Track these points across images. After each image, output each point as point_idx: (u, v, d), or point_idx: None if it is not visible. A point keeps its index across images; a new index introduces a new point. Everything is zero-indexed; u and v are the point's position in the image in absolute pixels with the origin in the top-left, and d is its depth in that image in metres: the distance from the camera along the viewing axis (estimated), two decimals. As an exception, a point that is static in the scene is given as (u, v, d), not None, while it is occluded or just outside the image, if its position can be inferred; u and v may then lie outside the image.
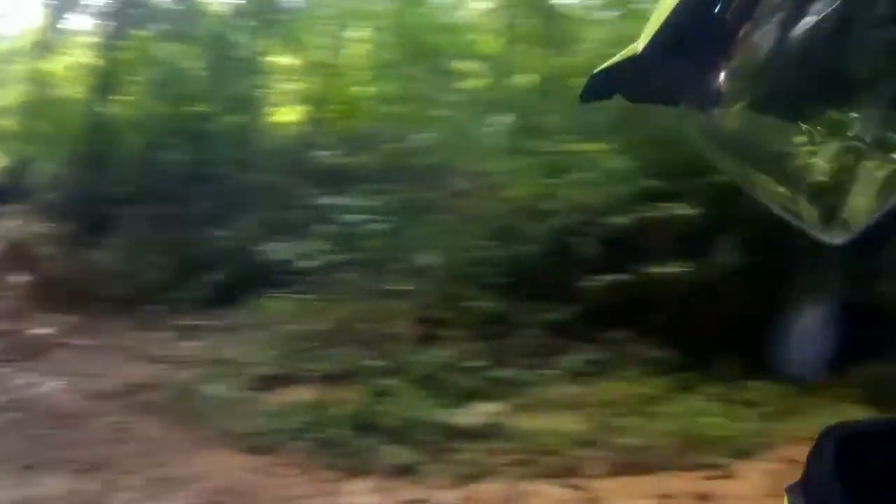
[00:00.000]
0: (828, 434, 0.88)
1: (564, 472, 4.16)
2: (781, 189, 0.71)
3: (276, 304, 6.48)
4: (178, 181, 11.75)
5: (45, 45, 16.33)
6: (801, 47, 0.64)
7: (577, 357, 5.16)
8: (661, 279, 5.05)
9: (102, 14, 13.94)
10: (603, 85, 1.00)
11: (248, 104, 13.38)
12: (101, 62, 13.05)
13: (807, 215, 0.68)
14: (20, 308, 9.48)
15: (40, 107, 15.13)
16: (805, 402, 4.83)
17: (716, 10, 0.72)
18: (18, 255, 11.88)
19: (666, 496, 3.94)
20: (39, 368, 6.52)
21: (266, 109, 14.35)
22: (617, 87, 1.05)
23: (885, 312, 4.48)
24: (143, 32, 14.40)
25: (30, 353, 6.96)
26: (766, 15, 0.70)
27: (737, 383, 5.02)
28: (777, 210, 0.72)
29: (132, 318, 8.41)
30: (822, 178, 0.66)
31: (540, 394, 4.92)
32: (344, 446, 4.31)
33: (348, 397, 4.77)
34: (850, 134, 0.68)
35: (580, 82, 0.99)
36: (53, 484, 4.20)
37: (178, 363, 6.18)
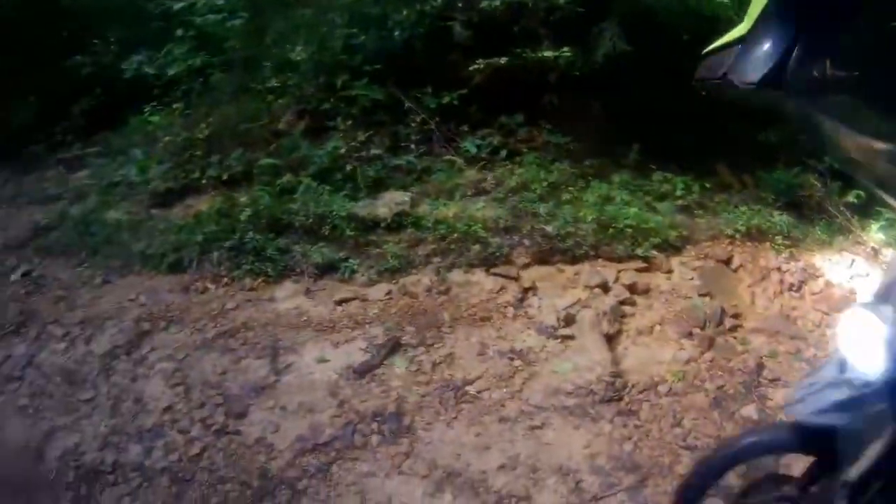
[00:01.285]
0: None
1: (490, 261, 4.19)
2: (884, 176, 0.73)
3: (154, 119, 6.22)
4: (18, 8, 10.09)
5: None
6: None
7: (472, 142, 5.16)
8: (543, 64, 4.96)
9: None
10: (713, 64, 0.99)
11: None
12: None
13: None
14: None
15: None
16: (717, 197, 5.06)
17: None
18: None
19: (599, 287, 4.07)
20: None
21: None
22: (725, 68, 1.02)
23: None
24: None
25: None
26: (873, 5, 0.68)
27: (644, 173, 5.12)
28: (882, 194, 0.74)
29: (12, 163, 7.80)
30: None
31: (444, 181, 4.89)
32: (262, 251, 4.29)
33: (251, 200, 4.66)
34: None
35: None
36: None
37: (72, 197, 5.92)
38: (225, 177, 5.15)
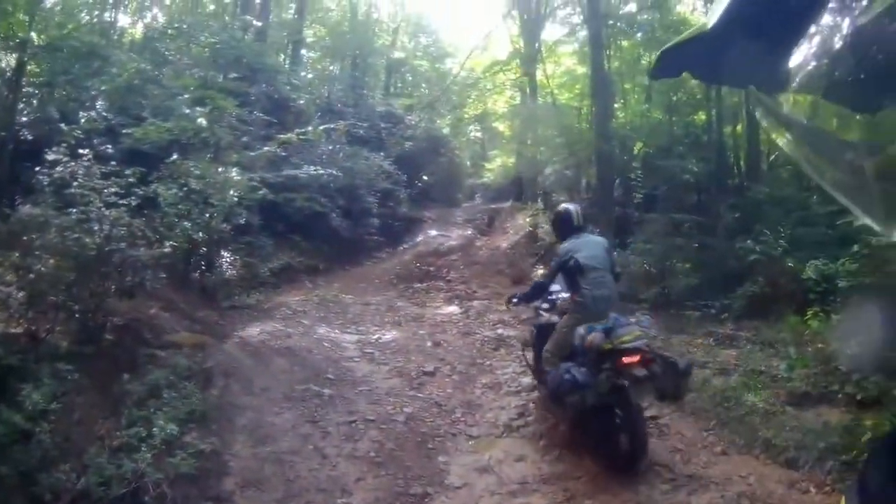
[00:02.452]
0: (882, 438, 0.93)
1: None
2: (844, 178, 0.67)
3: (813, 324, 6.44)
4: (689, 189, 12.53)
5: (527, 55, 18.98)
6: (872, 36, 0.59)
7: None
8: None
9: (584, 23, 14.92)
10: (672, 62, 0.99)
11: (743, 114, 13.25)
12: (590, 70, 13.93)
13: (868, 206, 0.63)
14: None
15: (535, 113, 17.20)
16: None
17: None
18: (538, 249, 13.76)
19: None
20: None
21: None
22: (685, 65, 1.04)
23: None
24: (626, 41, 15.72)
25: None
26: (832, 2, 0.66)
27: None
28: (839, 198, 0.69)
29: (657, 320, 8.52)
30: (887, 171, 0.58)
31: None
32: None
33: (874, 424, 4.63)
34: None
35: None
36: (590, 465, 4.68)
37: (716, 369, 6.49)
38: (859, 396, 5.20)
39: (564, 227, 5.39)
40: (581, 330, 4.59)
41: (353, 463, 4.90)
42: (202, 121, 9.71)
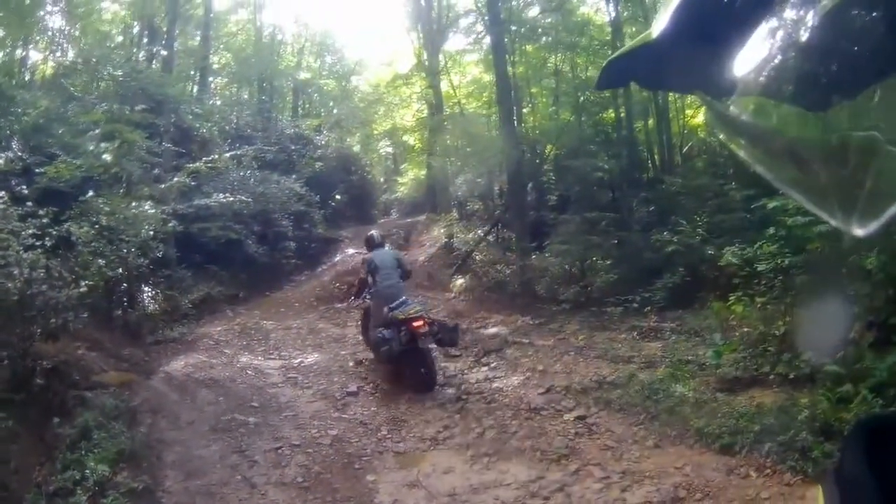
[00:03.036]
0: (860, 424, 0.90)
1: None
2: (800, 177, 0.69)
3: (737, 308, 6.52)
4: (603, 186, 12.80)
5: (431, 67, 18.87)
6: (816, 36, 0.59)
7: None
8: None
9: (486, 31, 14.93)
10: (618, 72, 0.99)
11: (654, 109, 13.75)
12: (495, 77, 13.90)
13: (827, 205, 0.64)
14: (469, 309, 10.97)
15: (443, 124, 17.19)
16: None
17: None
18: (455, 259, 13.82)
19: None
20: (498, 364, 7.61)
21: (674, 113, 14.57)
22: (632, 75, 1.05)
23: None
24: (529, 45, 15.94)
25: (487, 350, 8.16)
26: (779, 2, 0.67)
27: None
28: (797, 198, 0.70)
29: (579, 318, 9.20)
30: (841, 168, 0.60)
31: None
32: (808, 451, 4.29)
33: (810, 402, 4.71)
34: (867, 124, 0.64)
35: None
36: (519, 471, 4.82)
37: (641, 363, 6.66)
38: (791, 376, 5.33)
39: (370, 244, 8.12)
40: (385, 309, 6.99)
41: (282, 490, 4.78)
42: (107, 156, 9.48)
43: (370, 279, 7.57)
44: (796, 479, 4.23)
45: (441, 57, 19.63)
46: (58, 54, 16.25)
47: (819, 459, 4.25)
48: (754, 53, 0.69)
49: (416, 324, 6.73)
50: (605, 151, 13.27)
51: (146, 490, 4.54)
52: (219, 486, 4.82)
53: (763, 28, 0.68)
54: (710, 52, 0.75)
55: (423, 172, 21.44)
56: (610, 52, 12.68)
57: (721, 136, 0.77)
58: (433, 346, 7.05)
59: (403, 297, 7.22)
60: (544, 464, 4.93)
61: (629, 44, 0.90)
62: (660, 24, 0.76)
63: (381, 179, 29.34)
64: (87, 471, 4.41)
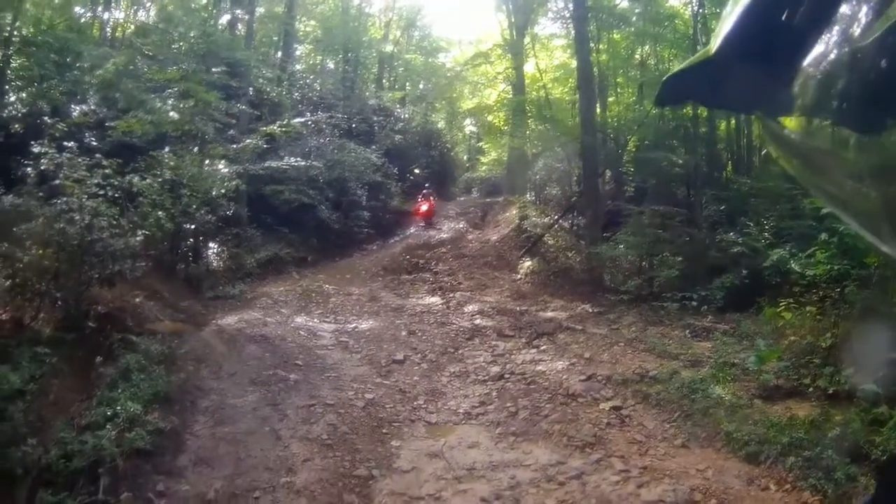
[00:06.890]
0: None
1: None
2: (852, 200, 0.68)
3: (787, 315, 6.36)
4: (679, 182, 12.62)
5: (514, 47, 18.68)
6: (874, 55, 0.60)
7: None
8: None
9: (572, 18, 14.49)
10: (677, 89, 0.99)
11: None
12: (577, 63, 13.70)
13: (878, 229, 0.64)
14: (533, 292, 11.06)
15: (524, 105, 16.88)
16: None
17: (783, 17, 0.71)
18: (526, 242, 13.78)
19: None
20: (547, 347, 7.66)
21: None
22: (689, 92, 1.04)
23: None
24: (616, 34, 15.64)
25: (540, 333, 8.18)
26: (835, 22, 0.66)
27: None
28: (848, 221, 0.70)
29: (637, 311, 9.14)
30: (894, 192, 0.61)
31: None
32: (832, 472, 4.17)
33: (843, 421, 4.60)
34: None
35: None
36: (541, 454, 4.89)
37: (687, 361, 6.58)
38: (831, 391, 5.20)
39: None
40: None
41: (305, 444, 4.97)
42: (174, 114, 9.71)
43: None
44: (815, 499, 4.12)
45: (528, 39, 19.37)
46: (140, 14, 16.89)
47: (841, 481, 4.12)
48: (810, 73, 0.69)
49: None
50: (684, 147, 13.03)
51: (173, 431, 4.82)
52: (245, 434, 5.05)
53: (820, 46, 0.67)
54: (768, 70, 0.74)
55: (505, 154, 21.36)
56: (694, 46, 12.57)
57: (775, 155, 0.77)
58: None
59: None
60: (568, 450, 4.99)
61: (688, 60, 0.89)
62: (718, 41, 0.77)
63: (465, 158, 29.29)
64: (119, 408, 4.64)
